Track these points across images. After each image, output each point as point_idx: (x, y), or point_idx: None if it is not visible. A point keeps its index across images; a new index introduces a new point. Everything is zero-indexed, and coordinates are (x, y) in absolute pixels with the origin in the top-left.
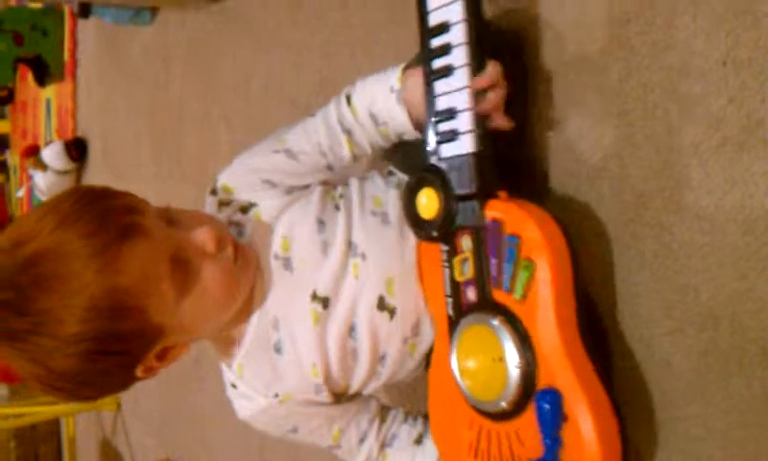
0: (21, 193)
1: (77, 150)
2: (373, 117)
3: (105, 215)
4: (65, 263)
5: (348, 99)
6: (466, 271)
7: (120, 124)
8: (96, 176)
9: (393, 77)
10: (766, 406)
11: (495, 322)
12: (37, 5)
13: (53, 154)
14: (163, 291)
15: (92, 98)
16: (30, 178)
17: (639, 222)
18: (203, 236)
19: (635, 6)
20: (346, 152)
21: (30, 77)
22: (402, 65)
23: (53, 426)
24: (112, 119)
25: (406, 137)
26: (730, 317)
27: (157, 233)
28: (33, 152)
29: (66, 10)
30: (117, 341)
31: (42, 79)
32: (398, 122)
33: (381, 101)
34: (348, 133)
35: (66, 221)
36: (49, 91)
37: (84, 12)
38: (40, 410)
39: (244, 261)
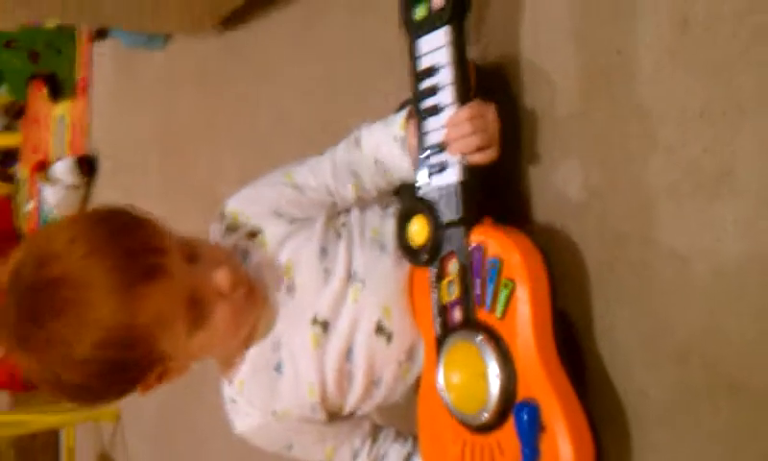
0: (30, 206)
1: (87, 166)
2: (379, 163)
3: (132, 253)
4: (87, 294)
5: (357, 143)
6: (452, 292)
7: (130, 143)
8: (105, 193)
9: (396, 125)
10: (732, 436)
11: (478, 338)
12: (52, 25)
13: (64, 169)
14: (176, 328)
15: (104, 117)
16: (39, 191)
17: (620, 259)
18: (220, 278)
19: (618, 58)
20: (350, 194)
21: (43, 93)
22: (405, 114)
23: (52, 437)
24: (123, 138)
25: (410, 181)
26: (700, 352)
27: (178, 274)
28: (43, 166)
29: (81, 30)
30: (124, 368)
31: (56, 95)
32: (402, 168)
33: (386, 148)
34: (355, 175)
35: (95, 252)
36: (62, 108)
37: (101, 34)
38: (41, 419)
39: (252, 298)
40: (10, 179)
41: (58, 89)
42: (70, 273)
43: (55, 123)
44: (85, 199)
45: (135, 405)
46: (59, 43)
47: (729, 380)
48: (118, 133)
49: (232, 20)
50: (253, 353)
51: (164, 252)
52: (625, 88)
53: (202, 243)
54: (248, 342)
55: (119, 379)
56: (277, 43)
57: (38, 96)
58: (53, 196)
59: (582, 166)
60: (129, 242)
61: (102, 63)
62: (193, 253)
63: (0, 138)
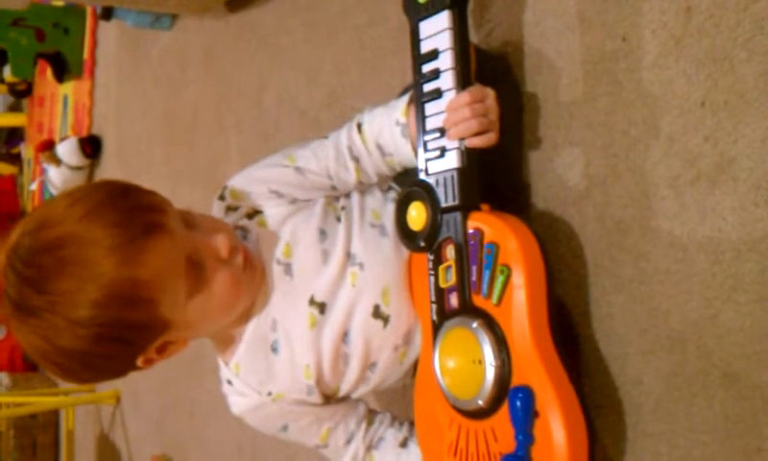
0: (34, 186)
1: (91, 147)
2: (380, 148)
3: (131, 211)
4: (88, 250)
5: (359, 127)
6: (449, 278)
7: (135, 124)
8: (109, 173)
9: (398, 110)
10: (725, 426)
11: (474, 324)
12: (60, 3)
13: (67, 149)
14: (177, 288)
15: (109, 97)
16: (43, 171)
17: (618, 247)
18: (218, 242)
19: (623, 45)
20: (352, 178)
21: (48, 72)
22: (407, 99)
23: (52, 417)
24: (127, 118)
25: (411, 167)
26: (696, 341)
27: (178, 233)
28: (47, 146)
29: (88, 9)
30: (125, 329)
31: (61, 75)
32: (403, 153)
33: (387, 133)
34: (357, 160)
35: (95, 211)
36: (67, 87)
37: (107, 14)
38: (41, 400)
39: (251, 270)
40: (15, 158)
41: (63, 69)
42: (70, 233)
43: (60, 103)
44: (89, 180)
45: (135, 388)
46: (66, 22)
47: (724, 370)
48: (123, 113)
49: (239, 0)
50: (250, 334)
51: (163, 211)
52: (629, 75)
53: (200, 214)
54: (244, 319)
55: (119, 346)
56: (284, 23)
57: (44, 75)
58: (57, 176)
59: (583, 153)
60: (128, 202)
61: (107, 44)
62: (190, 220)
63: (5, 118)
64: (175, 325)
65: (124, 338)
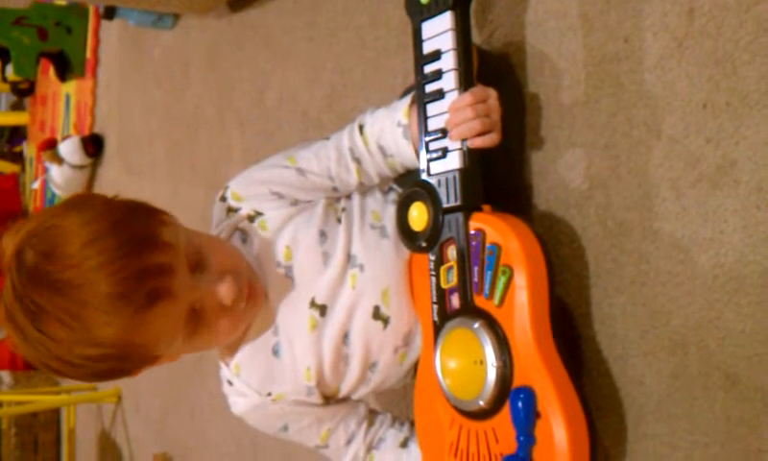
0: (36, 185)
1: (93, 146)
2: (382, 149)
3: (140, 275)
4: (88, 312)
5: (361, 128)
6: (450, 278)
7: (137, 123)
8: (111, 173)
9: (400, 112)
10: (726, 428)
11: (476, 325)
12: (63, 2)
13: (69, 148)
14: (175, 338)
15: (111, 96)
16: (45, 170)
17: (620, 248)
18: (224, 294)
19: (625, 46)
20: (353, 179)
21: (51, 71)
22: (408, 100)
23: (53, 416)
24: (130, 118)
25: (413, 168)
26: (697, 343)
27: (183, 293)
28: (50, 145)
29: (91, 8)
30: (118, 372)
31: (63, 74)
32: (405, 154)
33: (389, 135)
34: (358, 161)
35: (105, 268)
36: (69, 86)
37: (109, 13)
38: (42, 399)
39: (254, 302)
40: (17, 157)
41: (65, 68)
42: (75, 285)
43: (62, 102)
44: (91, 179)
45: (136, 387)
46: (69, 21)
47: (725, 372)
48: (125, 112)
49: (241, 0)
50: (251, 338)
51: (172, 271)
52: (632, 77)
53: (210, 246)
54: (246, 333)
55: (110, 375)
56: (286, 23)
57: (47, 74)
58: (59, 175)
59: (585, 154)
60: (140, 262)
61: (109, 43)
62: (200, 260)
63: (8, 117)
64: (168, 356)
65: (113, 375)
